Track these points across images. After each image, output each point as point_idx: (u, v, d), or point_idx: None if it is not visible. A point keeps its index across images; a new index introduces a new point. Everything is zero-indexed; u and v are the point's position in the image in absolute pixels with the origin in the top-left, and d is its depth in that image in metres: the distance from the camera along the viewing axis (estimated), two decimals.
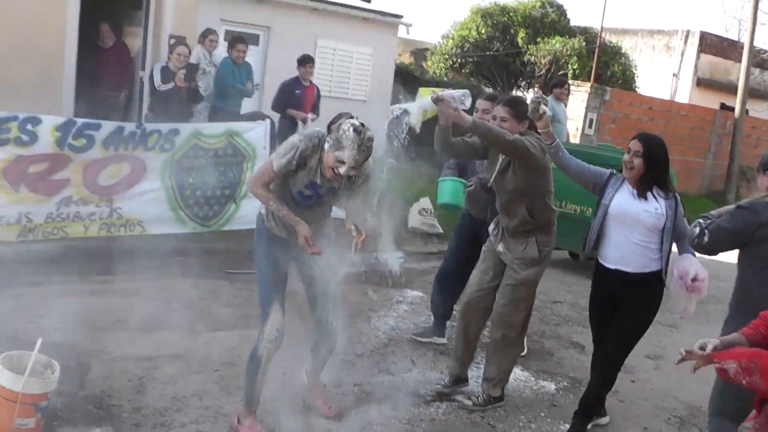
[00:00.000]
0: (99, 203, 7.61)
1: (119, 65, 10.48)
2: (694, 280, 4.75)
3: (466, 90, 5.14)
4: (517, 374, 6.07)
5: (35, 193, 7.26)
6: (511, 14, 19.82)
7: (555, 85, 11.73)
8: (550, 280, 8.92)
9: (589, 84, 16.02)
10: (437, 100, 4.71)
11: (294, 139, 4.34)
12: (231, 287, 7.24)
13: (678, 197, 4.91)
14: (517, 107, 5.16)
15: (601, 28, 17.51)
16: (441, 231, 10.44)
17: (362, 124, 4.18)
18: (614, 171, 4.99)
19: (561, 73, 18.38)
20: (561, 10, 20.58)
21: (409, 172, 7.56)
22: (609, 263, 4.93)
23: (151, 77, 9.06)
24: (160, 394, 4.88)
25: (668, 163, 4.89)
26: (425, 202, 10.64)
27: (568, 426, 5.22)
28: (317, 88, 11.10)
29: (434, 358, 6.16)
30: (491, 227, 5.48)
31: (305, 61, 10.65)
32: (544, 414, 5.48)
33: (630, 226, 4.83)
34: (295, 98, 10.52)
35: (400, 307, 7.39)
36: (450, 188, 5.99)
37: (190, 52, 9.24)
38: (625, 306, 4.95)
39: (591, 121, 15.69)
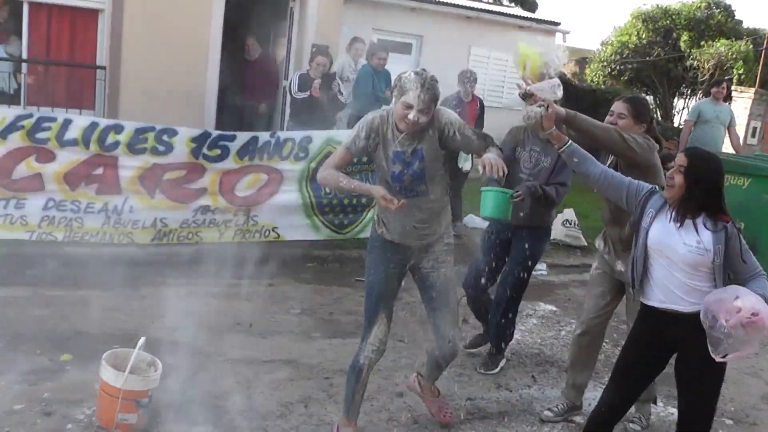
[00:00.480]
0: (236, 213, 7.76)
1: (264, 76, 10.71)
2: (754, 314, 3.56)
3: (556, 80, 4.57)
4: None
5: (171, 200, 7.50)
6: (673, 17, 18.96)
7: (712, 84, 11.71)
8: None
9: (753, 90, 15.06)
10: (525, 96, 4.26)
11: (363, 119, 4.28)
12: (356, 295, 7.18)
13: (734, 230, 3.85)
14: (637, 106, 4.81)
15: None
16: (585, 243, 10.05)
17: (423, 69, 4.14)
18: (656, 188, 4.10)
19: (727, 78, 17.44)
20: (728, 11, 19.47)
21: None
22: (654, 302, 4.00)
23: (290, 86, 9.19)
24: (266, 398, 4.86)
25: (720, 185, 3.93)
26: (569, 214, 10.28)
27: None
28: (480, 101, 10.46)
29: (557, 375, 5.86)
30: (599, 245, 5.12)
31: (465, 79, 10.06)
32: None
33: (670, 259, 3.92)
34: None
35: (529, 321, 7.11)
36: (494, 200, 5.22)
37: (331, 62, 9.29)
38: (687, 350, 3.95)
39: (755, 129, 14.74)
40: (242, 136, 7.62)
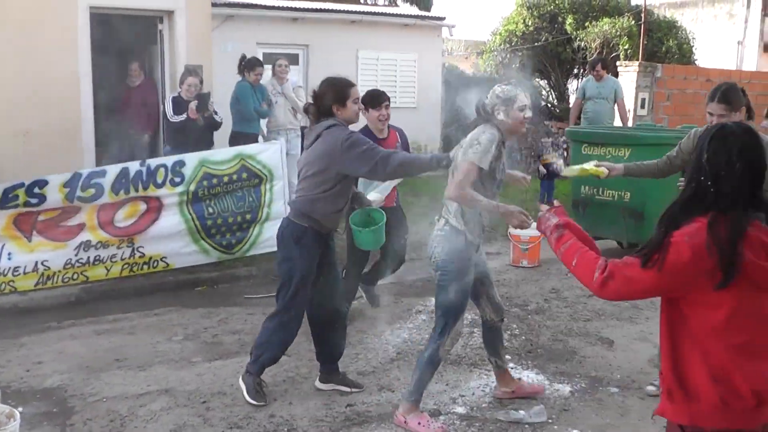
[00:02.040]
0: (120, 245, 7.64)
1: (145, 104, 10.53)
2: None
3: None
4: (531, 378, 5.77)
5: (50, 240, 7.36)
6: (557, 1, 19.30)
7: (588, 67, 12.73)
8: None
9: (637, 63, 15.40)
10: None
11: (485, 136, 4.58)
12: (243, 313, 7.13)
13: None
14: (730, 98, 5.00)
15: (645, 3, 16.84)
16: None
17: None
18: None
19: (613, 55, 17.80)
20: None
21: None
22: None
23: (165, 110, 9.08)
24: None
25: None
26: None
27: None
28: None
29: (441, 369, 5.86)
30: None
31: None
32: (552, 420, 5.16)
33: None
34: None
35: (418, 318, 7.15)
36: (370, 239, 5.61)
37: (202, 81, 9.21)
38: None
39: (643, 100, 15.07)
40: (112, 170, 7.55)
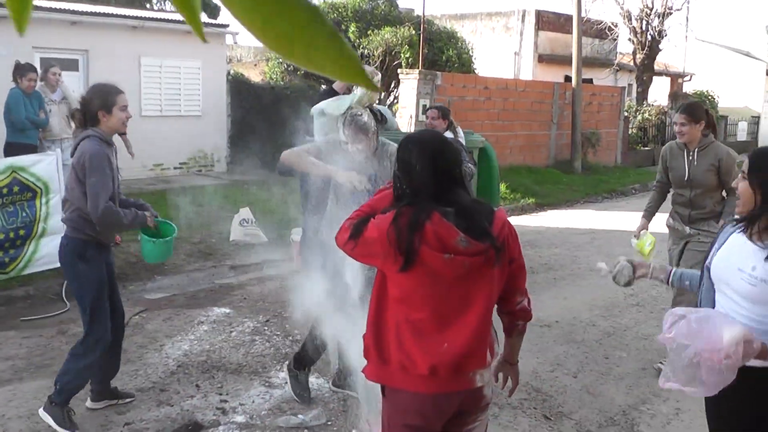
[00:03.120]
0: None
1: None
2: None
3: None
4: None
5: None
6: (340, 10, 19.70)
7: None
8: None
9: (417, 71, 15.99)
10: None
11: None
12: (18, 336, 6.74)
13: None
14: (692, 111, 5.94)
15: (423, 13, 17.48)
16: (266, 239, 10.15)
17: None
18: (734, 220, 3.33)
19: (395, 63, 18.37)
20: (392, 2, 20.60)
21: None
22: None
23: None
24: None
25: None
26: (245, 213, 10.37)
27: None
28: None
29: (222, 379, 5.87)
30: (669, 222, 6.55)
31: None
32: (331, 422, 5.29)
33: (727, 294, 3.18)
34: None
35: (200, 328, 7.07)
36: (158, 251, 5.47)
37: None
38: None
39: (424, 107, 15.67)
40: None
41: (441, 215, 2.98)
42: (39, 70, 10.06)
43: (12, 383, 5.69)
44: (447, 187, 3.06)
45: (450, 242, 2.94)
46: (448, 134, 7.49)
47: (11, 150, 9.32)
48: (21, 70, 9.53)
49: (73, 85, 12.22)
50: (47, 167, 8.15)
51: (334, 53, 0.82)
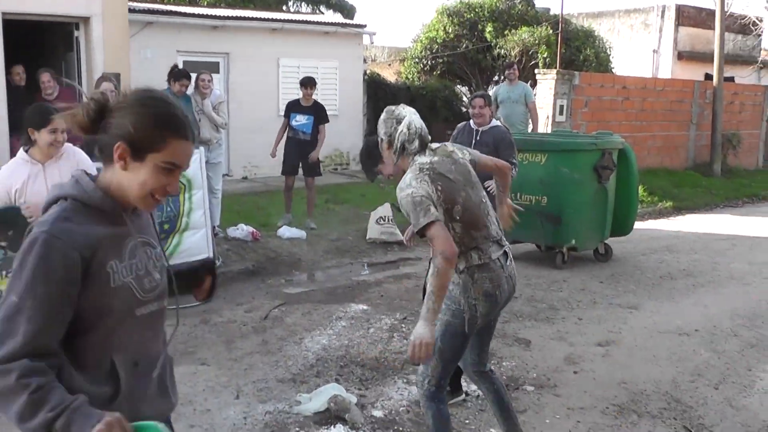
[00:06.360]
0: None
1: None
2: None
3: None
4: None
5: None
6: (477, 10, 19.62)
7: (504, 67, 13.43)
8: None
9: (555, 71, 15.73)
10: None
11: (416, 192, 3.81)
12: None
13: None
14: None
15: (561, 12, 17.23)
16: (402, 238, 10.18)
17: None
18: None
19: (532, 63, 18.15)
20: (527, 1, 20.37)
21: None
22: None
23: None
24: None
25: None
26: (383, 210, 10.44)
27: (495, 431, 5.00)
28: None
29: (361, 374, 5.93)
30: None
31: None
32: (470, 420, 5.25)
33: None
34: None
35: (338, 324, 7.17)
36: None
37: (117, 88, 9.06)
38: None
39: (561, 107, 15.41)
40: None
41: None
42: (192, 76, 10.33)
43: None
44: None
45: None
46: (495, 122, 7.28)
47: None
48: (176, 75, 9.85)
49: (217, 91, 12.55)
50: (192, 164, 8.40)
51: None
